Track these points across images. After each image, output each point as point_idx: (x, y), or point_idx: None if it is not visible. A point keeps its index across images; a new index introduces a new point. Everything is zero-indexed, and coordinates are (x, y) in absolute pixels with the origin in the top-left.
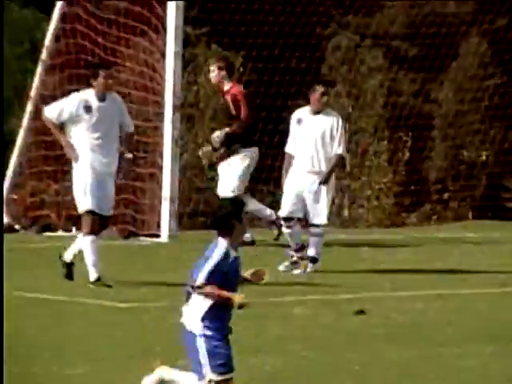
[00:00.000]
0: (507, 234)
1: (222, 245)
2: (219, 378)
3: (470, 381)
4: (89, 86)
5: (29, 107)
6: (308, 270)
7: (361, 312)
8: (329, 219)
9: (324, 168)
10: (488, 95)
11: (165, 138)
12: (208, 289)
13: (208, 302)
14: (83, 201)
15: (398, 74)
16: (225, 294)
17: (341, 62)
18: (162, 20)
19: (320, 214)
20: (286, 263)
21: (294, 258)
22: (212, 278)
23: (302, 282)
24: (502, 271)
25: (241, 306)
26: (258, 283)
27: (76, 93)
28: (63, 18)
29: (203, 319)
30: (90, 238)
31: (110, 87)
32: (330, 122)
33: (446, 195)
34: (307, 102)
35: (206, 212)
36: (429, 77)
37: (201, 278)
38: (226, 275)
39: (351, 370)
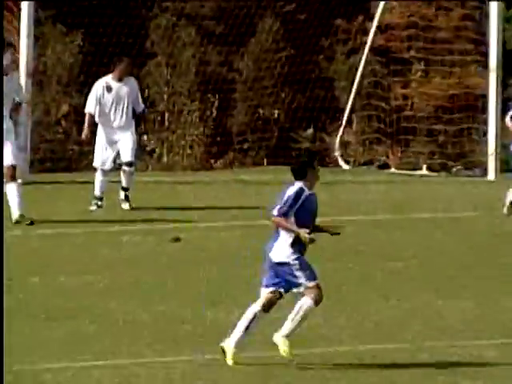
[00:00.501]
0: None
1: (296, 184)
2: (313, 283)
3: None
4: None
5: None
6: (126, 206)
7: (177, 239)
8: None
9: (131, 121)
10: (280, 65)
11: None
12: (279, 220)
13: (292, 234)
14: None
15: (207, 47)
16: (293, 228)
17: (161, 38)
18: (18, 5)
19: (129, 154)
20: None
21: (99, 203)
22: (285, 211)
23: (130, 218)
24: None
25: (311, 241)
26: (333, 234)
27: None
28: None
29: (292, 245)
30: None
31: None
32: (131, 87)
33: (245, 145)
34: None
35: (52, 158)
36: (232, 50)
37: (274, 212)
38: (300, 208)
39: (169, 287)
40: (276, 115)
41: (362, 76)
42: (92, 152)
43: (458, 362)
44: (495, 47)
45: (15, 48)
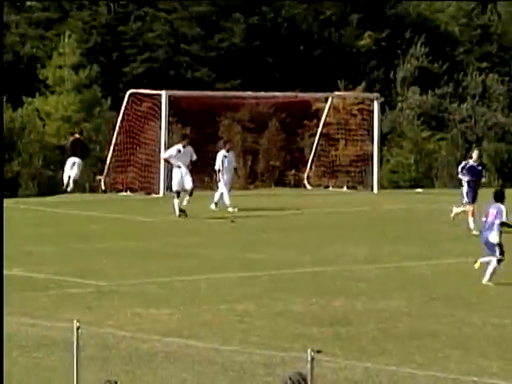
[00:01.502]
0: None
1: (500, 204)
2: (501, 257)
3: None
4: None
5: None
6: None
7: (233, 221)
8: None
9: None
10: (280, 143)
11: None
12: (506, 222)
13: (499, 227)
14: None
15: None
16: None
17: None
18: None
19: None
20: None
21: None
22: (506, 218)
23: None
24: None
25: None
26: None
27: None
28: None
29: (499, 234)
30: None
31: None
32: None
33: (268, 179)
34: None
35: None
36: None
37: (503, 219)
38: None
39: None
40: (277, 164)
41: (316, 147)
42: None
43: None
44: (376, 132)
45: (188, 136)
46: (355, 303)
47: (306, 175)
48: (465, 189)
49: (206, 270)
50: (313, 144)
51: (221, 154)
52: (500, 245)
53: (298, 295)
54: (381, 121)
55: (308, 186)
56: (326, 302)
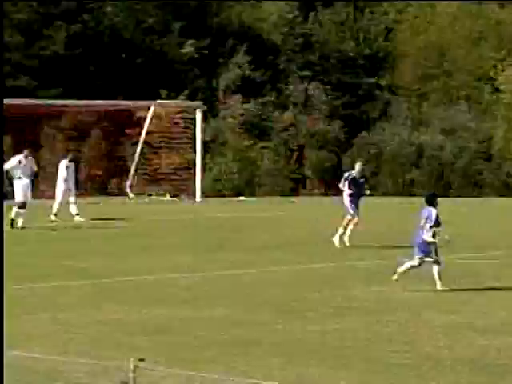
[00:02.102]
0: None
1: (432, 208)
2: (437, 257)
3: None
4: None
5: None
6: None
7: None
8: None
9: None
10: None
11: None
12: (434, 229)
13: (431, 232)
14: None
15: None
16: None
17: None
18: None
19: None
20: None
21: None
22: (438, 223)
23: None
24: None
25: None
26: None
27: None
28: None
29: (433, 235)
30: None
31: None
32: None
33: None
34: None
35: None
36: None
37: (432, 223)
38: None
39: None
40: (100, 173)
41: (139, 156)
42: None
43: None
44: (199, 141)
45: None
46: (178, 312)
47: (128, 184)
48: (346, 201)
49: (28, 279)
50: (135, 152)
51: (63, 163)
52: (435, 244)
53: (121, 304)
54: (203, 129)
55: (131, 195)
56: (148, 311)
